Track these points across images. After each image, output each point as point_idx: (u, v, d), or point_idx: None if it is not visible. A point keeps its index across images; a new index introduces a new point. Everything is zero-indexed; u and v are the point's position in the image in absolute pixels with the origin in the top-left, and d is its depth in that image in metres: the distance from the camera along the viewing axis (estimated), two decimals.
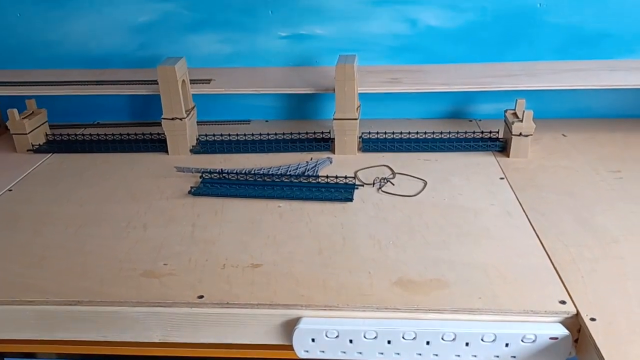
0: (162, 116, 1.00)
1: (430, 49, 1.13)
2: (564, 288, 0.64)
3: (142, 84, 1.07)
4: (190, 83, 1.05)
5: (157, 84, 1.00)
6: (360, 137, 1.05)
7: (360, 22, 1.11)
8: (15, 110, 1.04)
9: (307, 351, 0.62)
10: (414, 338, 0.60)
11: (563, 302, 0.61)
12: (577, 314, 0.60)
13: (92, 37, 1.16)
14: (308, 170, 0.94)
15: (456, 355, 0.61)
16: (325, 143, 1.05)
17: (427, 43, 1.13)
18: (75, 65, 1.18)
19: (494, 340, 0.60)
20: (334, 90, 0.98)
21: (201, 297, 0.64)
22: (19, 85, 1.09)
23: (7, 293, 0.66)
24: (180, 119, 1.00)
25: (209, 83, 1.07)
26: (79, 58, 1.17)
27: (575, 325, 0.60)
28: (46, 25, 1.15)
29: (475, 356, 0.61)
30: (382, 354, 0.62)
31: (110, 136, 1.09)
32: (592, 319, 0.58)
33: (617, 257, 0.70)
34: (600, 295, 0.62)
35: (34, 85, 1.09)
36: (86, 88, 1.08)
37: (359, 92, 1.01)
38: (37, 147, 1.06)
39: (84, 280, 0.68)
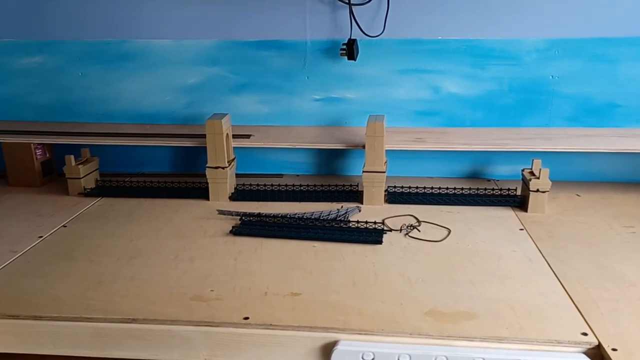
0: (207, 165, 1.09)
1: (452, 113, 1.24)
2: (585, 322, 0.68)
3: (187, 137, 1.17)
4: (232, 137, 1.15)
5: (201, 137, 1.10)
6: (386, 191, 1.12)
7: (387, 88, 1.23)
8: (72, 156, 1.14)
9: None
10: None
11: (585, 334, 0.66)
12: (599, 345, 0.64)
13: (144, 96, 1.28)
14: (339, 216, 1.01)
15: None
16: (354, 195, 1.12)
17: (449, 108, 1.23)
18: (127, 120, 1.30)
19: None
20: (363, 146, 1.08)
21: (247, 318, 0.69)
22: (74, 136, 1.20)
23: (67, 311, 0.72)
24: (223, 168, 1.09)
25: (248, 138, 1.17)
26: (131, 114, 1.30)
27: (598, 356, 0.64)
28: (103, 84, 1.28)
29: None
30: None
31: (155, 183, 1.18)
32: (614, 349, 0.63)
33: (636, 298, 0.74)
34: (621, 329, 0.67)
35: (88, 136, 1.20)
36: (135, 139, 1.18)
37: (386, 148, 1.10)
38: (88, 190, 1.15)
39: (137, 302, 0.74)
